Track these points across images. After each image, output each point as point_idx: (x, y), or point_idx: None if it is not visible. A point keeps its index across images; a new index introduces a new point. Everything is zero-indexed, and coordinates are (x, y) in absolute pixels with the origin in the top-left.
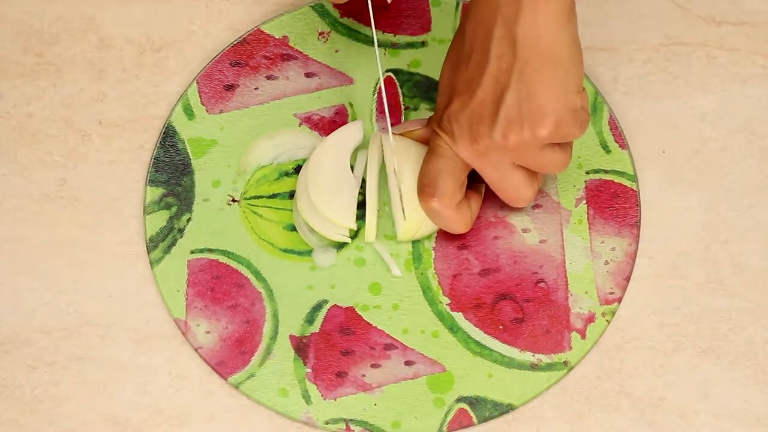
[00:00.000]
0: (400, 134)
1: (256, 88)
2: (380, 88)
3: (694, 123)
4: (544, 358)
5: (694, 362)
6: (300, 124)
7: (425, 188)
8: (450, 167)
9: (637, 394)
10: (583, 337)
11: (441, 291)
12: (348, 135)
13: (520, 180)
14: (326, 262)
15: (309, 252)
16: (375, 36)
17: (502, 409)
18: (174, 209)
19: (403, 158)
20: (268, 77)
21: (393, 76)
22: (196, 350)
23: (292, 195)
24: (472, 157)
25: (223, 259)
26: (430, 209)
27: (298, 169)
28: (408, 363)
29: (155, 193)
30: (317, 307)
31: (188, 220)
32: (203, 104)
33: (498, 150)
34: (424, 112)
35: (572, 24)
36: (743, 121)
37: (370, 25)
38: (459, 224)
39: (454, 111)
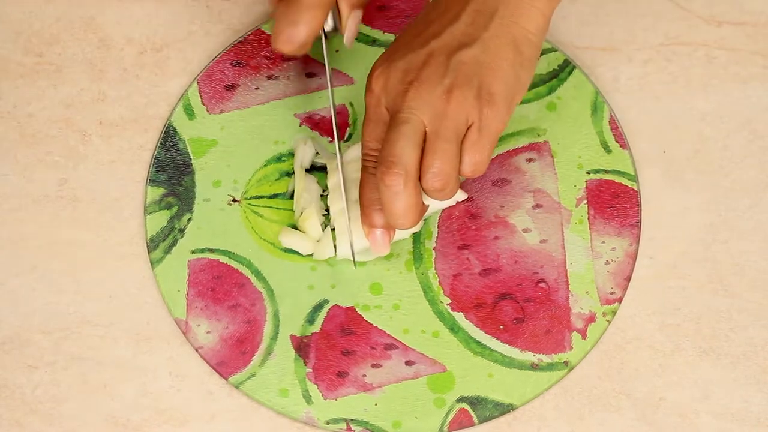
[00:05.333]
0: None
1: (256, 88)
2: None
3: (694, 123)
4: (545, 358)
5: (695, 362)
6: (300, 124)
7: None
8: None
9: (637, 394)
10: (584, 337)
11: (442, 291)
12: (305, 154)
13: (411, 141)
14: (324, 254)
15: (311, 252)
16: (330, 84)
17: (503, 409)
18: (174, 209)
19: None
20: (269, 77)
21: None
22: (196, 350)
23: (292, 195)
24: (396, 97)
25: (223, 259)
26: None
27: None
28: (409, 363)
29: (156, 193)
30: (318, 307)
31: (189, 220)
32: (204, 104)
33: (428, 92)
34: None
35: (544, 33)
36: (743, 121)
37: (370, 24)
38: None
39: (395, 57)
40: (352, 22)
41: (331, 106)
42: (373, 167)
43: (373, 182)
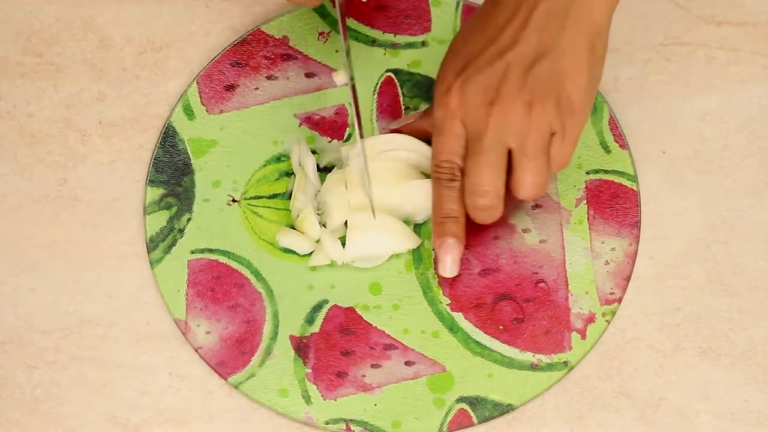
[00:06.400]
0: (399, 129)
1: (256, 89)
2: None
3: (694, 123)
4: (545, 358)
5: (694, 362)
6: (300, 125)
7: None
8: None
9: (637, 394)
10: (584, 337)
11: (441, 291)
12: (301, 153)
13: (499, 167)
14: (323, 260)
15: (308, 252)
16: (343, 40)
17: (502, 409)
18: (174, 209)
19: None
20: (269, 77)
21: (393, 76)
22: (196, 350)
23: (291, 195)
24: (477, 119)
25: (223, 260)
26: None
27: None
28: (408, 363)
29: (155, 193)
30: (317, 307)
31: (188, 220)
32: (203, 104)
33: (511, 112)
34: None
35: (610, 22)
36: (743, 121)
37: (370, 24)
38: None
39: (471, 72)
40: None
41: (349, 72)
42: (447, 179)
43: (449, 195)
